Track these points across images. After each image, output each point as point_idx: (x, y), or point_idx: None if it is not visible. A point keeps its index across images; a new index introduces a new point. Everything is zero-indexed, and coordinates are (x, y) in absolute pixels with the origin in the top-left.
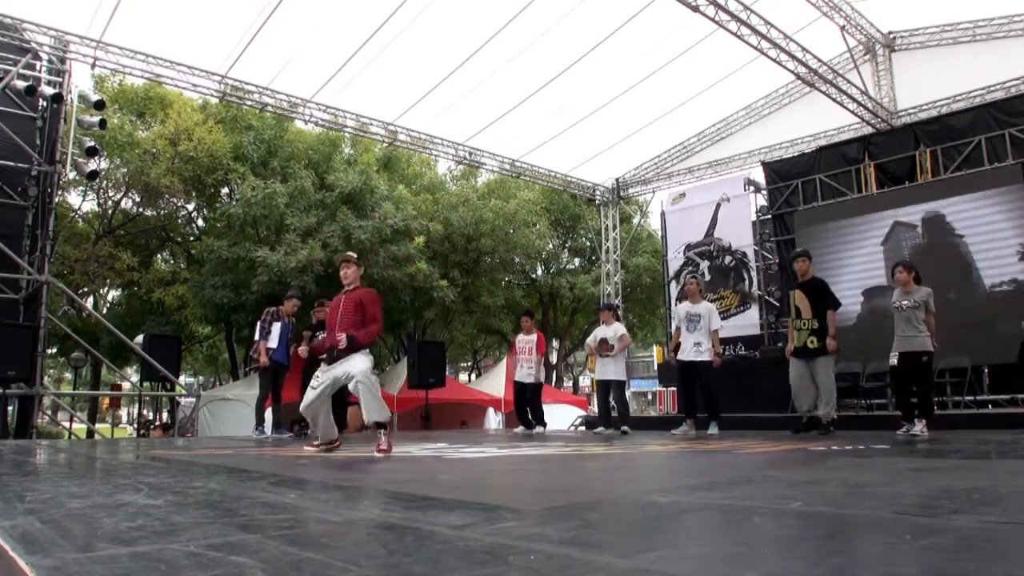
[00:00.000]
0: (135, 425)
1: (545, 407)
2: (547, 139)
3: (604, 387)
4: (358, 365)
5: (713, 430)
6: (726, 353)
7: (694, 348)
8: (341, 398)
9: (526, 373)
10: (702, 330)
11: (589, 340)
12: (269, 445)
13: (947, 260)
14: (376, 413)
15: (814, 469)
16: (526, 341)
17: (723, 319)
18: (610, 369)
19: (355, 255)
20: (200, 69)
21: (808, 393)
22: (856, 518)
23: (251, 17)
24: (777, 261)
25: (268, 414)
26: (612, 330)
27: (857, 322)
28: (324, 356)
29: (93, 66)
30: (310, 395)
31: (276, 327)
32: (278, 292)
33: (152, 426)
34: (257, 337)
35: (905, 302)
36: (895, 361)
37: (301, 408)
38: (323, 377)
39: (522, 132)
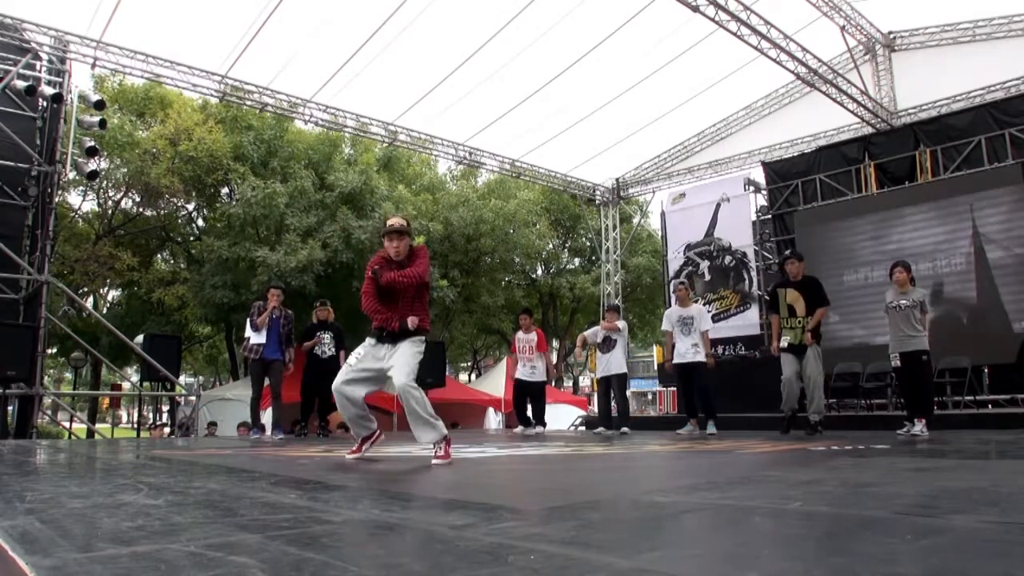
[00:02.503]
0: (136, 424)
1: (551, 407)
2: (547, 139)
3: (606, 384)
4: (401, 366)
5: (711, 429)
6: (725, 353)
7: (692, 349)
8: (330, 385)
9: (528, 371)
10: (696, 332)
11: (587, 334)
12: (268, 444)
13: (947, 260)
14: (426, 434)
15: (814, 469)
16: (526, 340)
17: (723, 319)
18: (611, 364)
19: (404, 220)
20: (200, 69)
21: (796, 393)
22: (856, 518)
23: (251, 17)
24: (777, 261)
25: (267, 414)
26: (616, 327)
27: (856, 323)
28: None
29: (93, 66)
30: (342, 372)
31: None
32: None
33: (152, 426)
34: (248, 331)
35: (903, 301)
36: (897, 362)
37: (333, 386)
38: (363, 353)
39: (522, 132)
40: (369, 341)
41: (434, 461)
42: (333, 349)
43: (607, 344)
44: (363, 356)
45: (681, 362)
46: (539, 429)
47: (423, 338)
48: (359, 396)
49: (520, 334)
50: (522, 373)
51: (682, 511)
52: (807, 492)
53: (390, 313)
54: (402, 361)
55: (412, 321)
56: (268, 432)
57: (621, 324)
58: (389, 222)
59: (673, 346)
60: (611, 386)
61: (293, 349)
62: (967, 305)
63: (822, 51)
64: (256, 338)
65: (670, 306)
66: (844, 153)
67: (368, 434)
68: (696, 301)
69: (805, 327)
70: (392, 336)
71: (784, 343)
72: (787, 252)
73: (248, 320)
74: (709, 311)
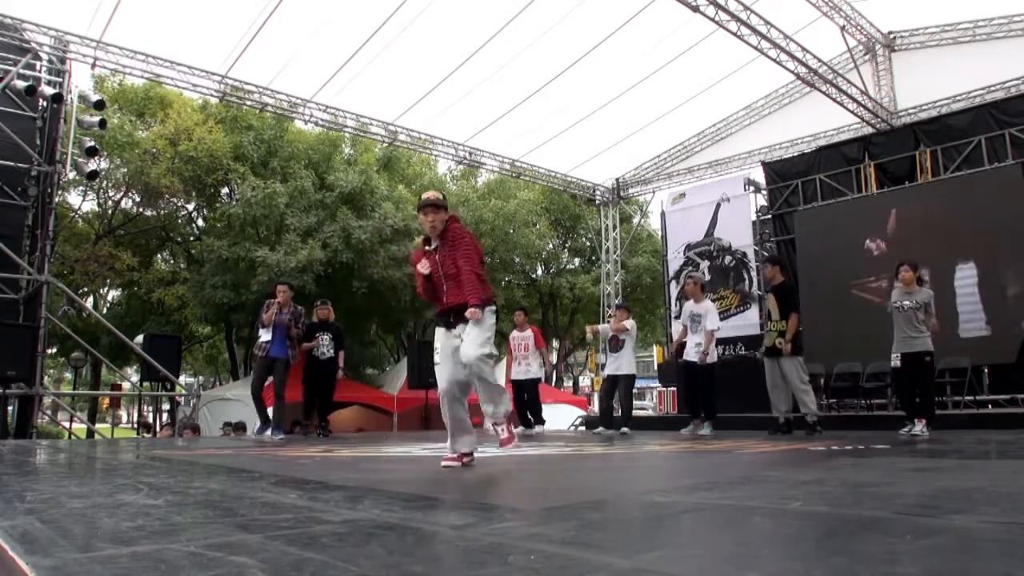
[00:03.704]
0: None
1: (545, 407)
2: (547, 139)
3: (611, 383)
4: (473, 337)
5: (705, 430)
6: (725, 353)
7: (695, 348)
8: (329, 386)
9: (523, 370)
10: (702, 330)
11: (600, 327)
12: (268, 444)
13: (947, 260)
14: (494, 406)
15: (814, 469)
16: (521, 338)
17: (723, 319)
18: (619, 364)
19: (438, 193)
20: (200, 69)
21: (783, 397)
22: (856, 518)
23: (251, 17)
24: None
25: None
26: (624, 327)
27: (856, 322)
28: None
29: (93, 66)
30: (440, 376)
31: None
32: None
33: (161, 425)
34: (264, 321)
35: (907, 302)
36: (897, 363)
37: (441, 391)
38: (443, 349)
39: (522, 132)
40: (440, 332)
41: (501, 447)
42: (332, 350)
43: (616, 343)
44: (444, 351)
45: (685, 360)
46: (539, 428)
47: (493, 307)
48: (464, 401)
49: (515, 332)
50: (516, 372)
51: (682, 511)
52: (807, 492)
53: (446, 293)
54: (474, 333)
55: (472, 313)
56: (253, 431)
57: (629, 324)
58: (424, 196)
59: (683, 343)
60: (616, 386)
61: (296, 337)
62: (967, 305)
63: (822, 51)
64: (263, 335)
65: (670, 305)
66: (844, 153)
67: (468, 451)
68: (707, 297)
69: (780, 331)
70: (459, 314)
71: (763, 348)
72: (766, 256)
73: (264, 314)
74: None
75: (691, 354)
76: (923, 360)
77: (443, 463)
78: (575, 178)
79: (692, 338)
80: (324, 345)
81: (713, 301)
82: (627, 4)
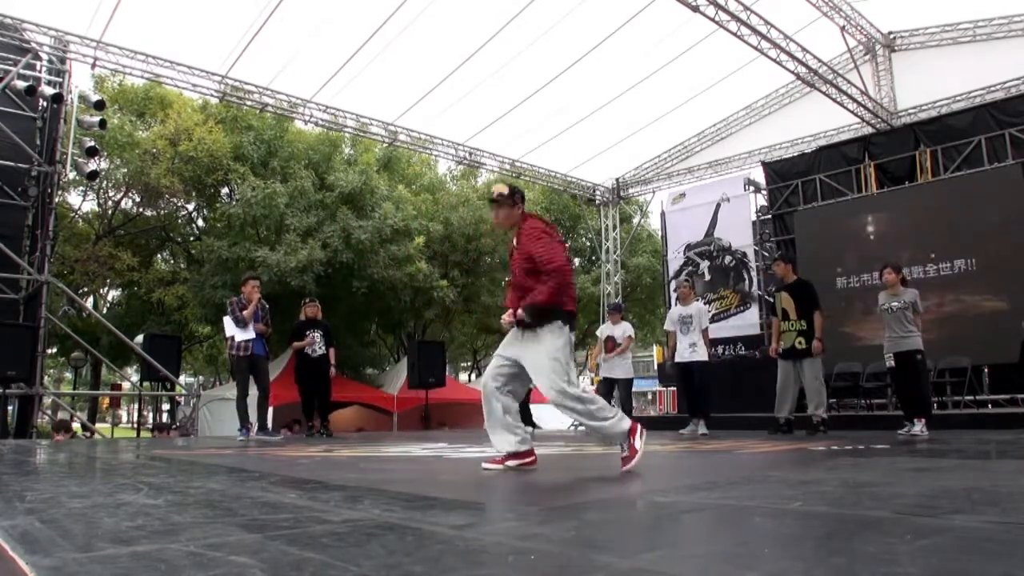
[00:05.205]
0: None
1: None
2: (547, 139)
3: (609, 385)
4: (542, 379)
5: (702, 430)
6: (725, 353)
7: (689, 349)
8: (324, 384)
9: None
10: (695, 331)
11: (598, 333)
12: (253, 446)
13: (948, 260)
14: (604, 435)
15: (814, 469)
16: None
17: (723, 319)
18: (617, 367)
19: (504, 187)
20: (200, 69)
21: (790, 398)
22: (856, 518)
23: (251, 17)
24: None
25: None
26: (620, 329)
27: (857, 322)
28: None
29: (93, 66)
30: (488, 369)
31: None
32: (278, 292)
33: (170, 427)
34: (231, 328)
35: (895, 303)
36: (892, 363)
37: (481, 384)
38: (502, 351)
39: (522, 132)
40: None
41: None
42: (323, 348)
43: (611, 346)
44: (504, 343)
45: (680, 361)
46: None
47: (558, 322)
48: (504, 400)
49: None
50: None
51: (682, 511)
52: (807, 492)
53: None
54: (538, 362)
55: (519, 313)
56: (255, 432)
57: (620, 331)
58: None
59: (675, 346)
60: (613, 388)
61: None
62: (968, 305)
63: (822, 51)
64: (244, 334)
65: (670, 306)
66: (844, 153)
67: (513, 451)
68: (698, 299)
69: (799, 330)
70: (523, 325)
71: (776, 347)
72: (776, 255)
73: (230, 317)
74: (709, 311)
75: (684, 355)
76: (914, 358)
77: (483, 464)
78: (575, 178)
79: (683, 340)
80: (316, 343)
81: (713, 301)
82: (627, 4)
